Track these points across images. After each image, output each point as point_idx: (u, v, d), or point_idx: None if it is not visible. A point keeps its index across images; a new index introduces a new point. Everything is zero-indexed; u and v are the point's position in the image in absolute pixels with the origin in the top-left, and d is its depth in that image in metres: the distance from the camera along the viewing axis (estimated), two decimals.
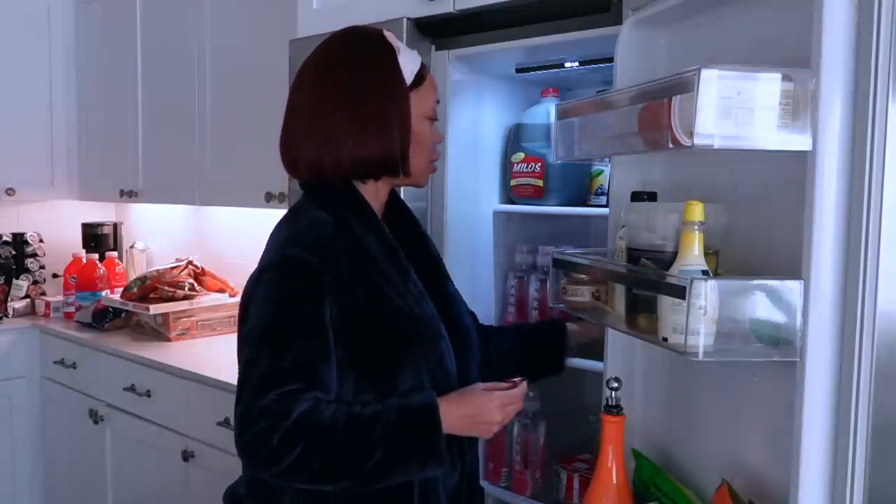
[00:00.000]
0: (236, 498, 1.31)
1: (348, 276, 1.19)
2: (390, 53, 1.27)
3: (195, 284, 2.95)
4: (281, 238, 1.25)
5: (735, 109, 0.93)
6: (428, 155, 1.33)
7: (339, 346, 1.17)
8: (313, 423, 1.11)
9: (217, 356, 2.59)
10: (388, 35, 1.30)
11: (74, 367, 3.00)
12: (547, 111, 1.97)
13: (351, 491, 1.17)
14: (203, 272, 3.02)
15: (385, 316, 1.21)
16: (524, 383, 1.26)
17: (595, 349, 1.52)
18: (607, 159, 1.75)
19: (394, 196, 1.39)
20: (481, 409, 1.20)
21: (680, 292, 0.97)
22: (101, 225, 3.61)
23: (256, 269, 1.22)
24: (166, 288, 2.87)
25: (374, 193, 1.30)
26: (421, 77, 1.30)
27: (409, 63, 1.29)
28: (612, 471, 1.20)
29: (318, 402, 1.13)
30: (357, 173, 1.26)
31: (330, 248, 1.20)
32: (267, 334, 1.15)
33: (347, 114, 1.22)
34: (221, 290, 2.99)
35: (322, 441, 1.11)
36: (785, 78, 0.94)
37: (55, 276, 3.53)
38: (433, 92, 1.33)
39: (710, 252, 1.07)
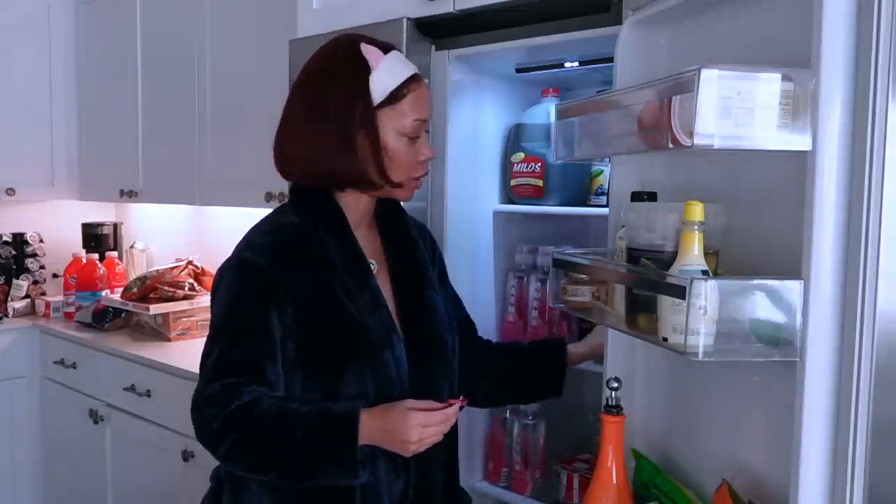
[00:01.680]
0: (219, 477, 1.38)
1: (302, 280, 1.24)
2: (361, 71, 1.25)
3: (195, 284, 2.95)
4: (245, 239, 1.30)
5: (735, 109, 0.93)
6: (406, 172, 1.29)
7: (288, 346, 1.23)
8: (249, 414, 1.19)
9: None
10: (367, 49, 1.27)
11: (74, 367, 3.00)
12: (547, 111, 1.97)
13: (283, 484, 1.24)
14: (203, 272, 3.02)
15: (332, 322, 1.24)
16: (456, 406, 1.22)
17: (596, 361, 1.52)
18: (607, 159, 1.75)
19: (391, 202, 1.39)
20: (397, 427, 1.18)
21: (680, 292, 0.97)
22: (101, 225, 3.61)
23: (222, 265, 1.29)
24: (166, 288, 2.87)
25: (353, 201, 1.33)
26: (398, 95, 1.26)
27: (386, 80, 1.25)
28: (612, 471, 1.20)
29: (259, 396, 1.20)
30: (330, 183, 1.30)
31: (285, 253, 1.25)
32: (220, 330, 1.25)
33: (319, 127, 1.26)
34: None
35: (253, 433, 1.19)
36: (785, 78, 0.94)
37: (55, 276, 3.53)
38: (415, 110, 1.27)
39: (710, 252, 1.07)
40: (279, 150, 1.32)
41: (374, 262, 1.34)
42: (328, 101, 1.26)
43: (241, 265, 1.25)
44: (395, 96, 1.26)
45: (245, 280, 1.24)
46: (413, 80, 1.28)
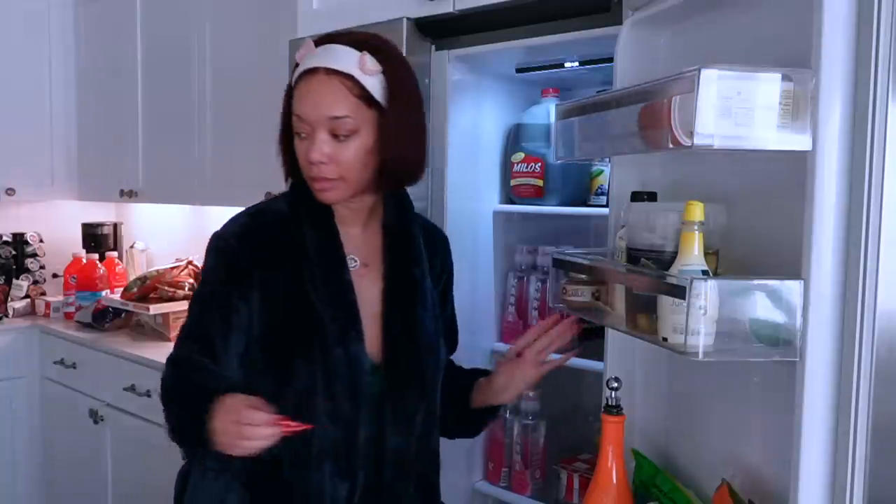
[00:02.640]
0: (184, 473, 1.40)
1: (272, 265, 1.24)
2: (293, 68, 1.26)
3: (195, 284, 2.95)
4: (231, 218, 1.32)
5: (735, 109, 0.93)
6: (305, 171, 1.24)
7: (253, 330, 1.23)
8: (181, 381, 1.26)
9: None
10: (303, 45, 1.25)
11: (74, 367, 3.00)
12: (547, 111, 1.98)
13: (186, 452, 1.29)
14: None
15: (291, 310, 1.23)
16: (292, 425, 1.12)
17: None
18: (607, 159, 1.75)
19: (400, 204, 1.36)
20: (220, 419, 1.13)
21: (680, 292, 0.97)
22: (101, 225, 3.61)
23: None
24: (166, 288, 2.87)
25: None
26: (292, 89, 1.24)
27: (296, 74, 1.23)
28: (612, 471, 1.20)
29: (198, 365, 1.24)
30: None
31: (260, 237, 1.26)
32: (192, 303, 1.32)
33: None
34: None
35: (173, 401, 1.26)
36: (785, 78, 0.94)
37: (55, 276, 3.53)
38: (297, 105, 1.22)
39: (710, 252, 1.06)
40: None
41: (356, 259, 1.30)
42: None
43: (215, 242, 1.28)
44: (291, 90, 1.24)
45: (216, 256, 1.28)
46: (306, 73, 1.21)
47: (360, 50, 1.20)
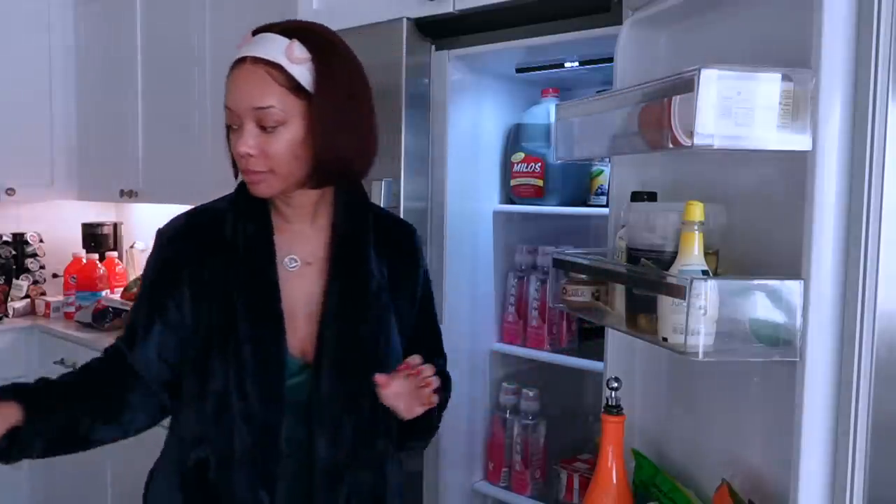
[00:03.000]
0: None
1: (202, 263, 1.22)
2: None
3: None
4: (171, 219, 1.30)
5: (735, 109, 0.93)
6: (238, 165, 1.19)
7: (185, 330, 1.22)
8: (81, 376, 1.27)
9: None
10: (245, 36, 1.20)
11: (74, 368, 3.00)
12: (547, 111, 1.98)
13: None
14: None
15: (212, 308, 1.20)
16: None
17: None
18: (607, 159, 1.75)
19: (355, 204, 1.29)
20: None
21: (680, 292, 0.97)
22: (101, 225, 3.61)
23: None
24: None
25: (285, 196, 1.24)
26: (227, 80, 1.18)
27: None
28: (612, 471, 1.20)
29: (110, 357, 1.26)
30: None
31: (192, 235, 1.25)
32: (135, 298, 1.30)
33: None
34: None
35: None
36: (785, 78, 0.94)
37: (55, 276, 3.53)
38: (226, 95, 1.17)
39: (710, 252, 1.06)
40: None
41: (296, 257, 1.25)
42: None
43: (155, 239, 1.28)
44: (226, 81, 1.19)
45: (152, 254, 1.28)
46: (235, 63, 1.16)
47: (291, 38, 1.15)
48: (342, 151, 1.19)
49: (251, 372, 1.17)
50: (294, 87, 1.14)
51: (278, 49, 1.14)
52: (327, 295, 1.23)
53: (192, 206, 1.30)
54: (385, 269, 1.28)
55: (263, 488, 1.18)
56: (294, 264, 1.25)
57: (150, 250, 1.30)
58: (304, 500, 1.21)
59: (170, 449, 1.31)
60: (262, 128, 1.14)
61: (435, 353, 1.38)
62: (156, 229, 1.29)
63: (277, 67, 1.13)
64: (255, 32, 1.20)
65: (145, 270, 1.28)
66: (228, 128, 1.19)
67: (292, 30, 1.17)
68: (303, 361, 1.22)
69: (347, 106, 1.19)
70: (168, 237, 1.26)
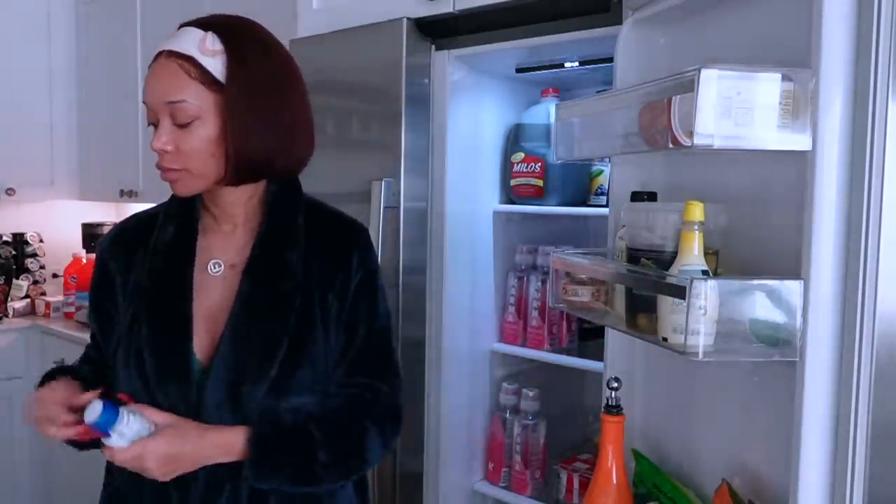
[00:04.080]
0: None
1: (129, 267, 1.22)
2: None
3: None
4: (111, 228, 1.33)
5: (735, 109, 0.93)
6: (158, 163, 1.15)
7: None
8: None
9: None
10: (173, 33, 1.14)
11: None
12: (547, 111, 1.98)
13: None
14: None
15: (125, 313, 1.20)
16: None
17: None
18: (607, 159, 1.75)
19: (286, 203, 1.22)
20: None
21: (680, 292, 0.97)
22: (101, 225, 3.61)
23: None
24: None
25: (212, 195, 1.21)
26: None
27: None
28: (612, 471, 1.20)
29: (84, 357, 1.30)
30: None
31: (120, 242, 1.26)
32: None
33: None
34: None
35: None
36: (785, 78, 0.94)
37: (55, 276, 3.54)
38: (145, 90, 1.12)
39: (710, 252, 1.07)
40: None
41: (220, 261, 1.20)
42: None
43: (96, 251, 1.32)
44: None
45: (94, 265, 1.29)
46: (154, 57, 1.11)
47: (207, 30, 1.11)
48: (258, 147, 1.13)
49: (152, 378, 1.13)
50: (208, 80, 1.09)
51: (192, 41, 1.10)
52: (237, 298, 1.16)
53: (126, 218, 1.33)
54: (316, 269, 1.19)
55: (177, 490, 1.13)
56: (217, 269, 1.20)
57: None
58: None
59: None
60: (178, 124, 1.09)
61: (360, 372, 1.21)
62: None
63: (190, 60, 1.08)
64: (180, 27, 1.15)
65: (92, 278, 1.30)
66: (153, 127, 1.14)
67: (209, 23, 1.12)
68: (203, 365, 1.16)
69: (265, 100, 1.12)
70: (101, 246, 1.28)
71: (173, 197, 1.24)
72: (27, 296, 3.44)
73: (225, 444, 1.11)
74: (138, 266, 1.21)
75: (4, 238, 3.46)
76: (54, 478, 3.20)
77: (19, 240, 3.49)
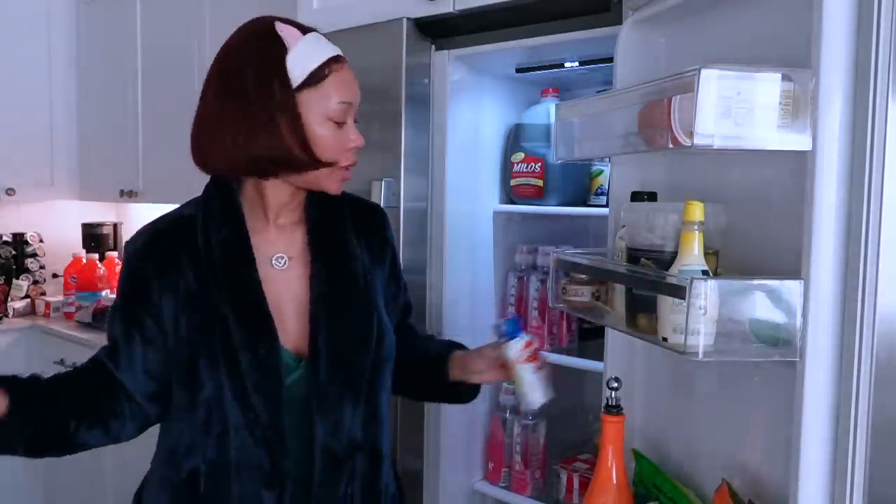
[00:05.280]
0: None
1: (173, 272, 1.20)
2: (275, 49, 1.17)
3: None
4: (138, 230, 1.27)
5: (735, 109, 0.93)
6: (332, 159, 1.19)
7: (169, 339, 1.19)
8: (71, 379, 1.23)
9: None
10: (283, 28, 1.19)
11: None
12: (547, 111, 1.98)
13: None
14: None
15: (194, 314, 1.18)
16: None
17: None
18: (607, 159, 1.75)
19: (322, 197, 1.27)
20: None
21: (680, 292, 0.97)
22: (101, 225, 3.61)
23: None
24: None
25: (273, 193, 1.24)
26: (319, 76, 1.17)
27: (304, 60, 1.16)
28: (612, 471, 1.20)
29: (98, 367, 1.22)
30: (252, 171, 1.22)
31: (157, 247, 1.22)
32: (111, 310, 1.28)
33: (235, 108, 1.17)
34: None
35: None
36: (785, 78, 0.94)
37: (55, 276, 3.53)
38: (339, 91, 1.18)
39: (710, 252, 1.07)
40: (194, 137, 1.23)
41: (283, 255, 1.25)
42: (243, 80, 1.17)
43: (125, 254, 1.26)
44: (315, 77, 1.17)
45: (123, 267, 1.26)
46: (334, 60, 1.19)
47: None
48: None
49: (250, 377, 1.16)
50: None
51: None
52: (312, 287, 1.23)
53: (152, 222, 1.27)
54: (364, 251, 1.31)
55: (271, 490, 1.18)
56: (281, 262, 1.25)
57: None
58: (305, 493, 1.20)
59: (159, 461, 1.28)
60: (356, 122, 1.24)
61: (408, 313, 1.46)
62: (125, 247, 1.26)
63: None
64: (304, 31, 1.20)
65: (119, 283, 1.25)
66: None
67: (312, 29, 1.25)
68: (298, 356, 1.21)
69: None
70: (134, 250, 1.24)
71: (208, 199, 1.26)
72: (27, 296, 3.44)
73: None
74: (188, 271, 1.19)
75: (4, 238, 3.46)
76: (54, 477, 3.20)
77: (19, 240, 3.49)
